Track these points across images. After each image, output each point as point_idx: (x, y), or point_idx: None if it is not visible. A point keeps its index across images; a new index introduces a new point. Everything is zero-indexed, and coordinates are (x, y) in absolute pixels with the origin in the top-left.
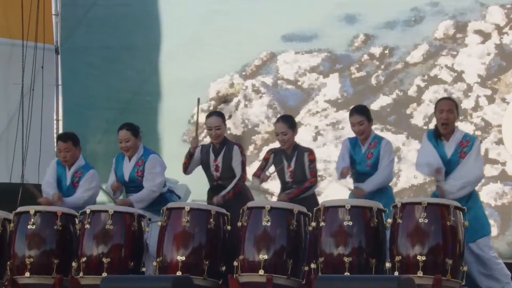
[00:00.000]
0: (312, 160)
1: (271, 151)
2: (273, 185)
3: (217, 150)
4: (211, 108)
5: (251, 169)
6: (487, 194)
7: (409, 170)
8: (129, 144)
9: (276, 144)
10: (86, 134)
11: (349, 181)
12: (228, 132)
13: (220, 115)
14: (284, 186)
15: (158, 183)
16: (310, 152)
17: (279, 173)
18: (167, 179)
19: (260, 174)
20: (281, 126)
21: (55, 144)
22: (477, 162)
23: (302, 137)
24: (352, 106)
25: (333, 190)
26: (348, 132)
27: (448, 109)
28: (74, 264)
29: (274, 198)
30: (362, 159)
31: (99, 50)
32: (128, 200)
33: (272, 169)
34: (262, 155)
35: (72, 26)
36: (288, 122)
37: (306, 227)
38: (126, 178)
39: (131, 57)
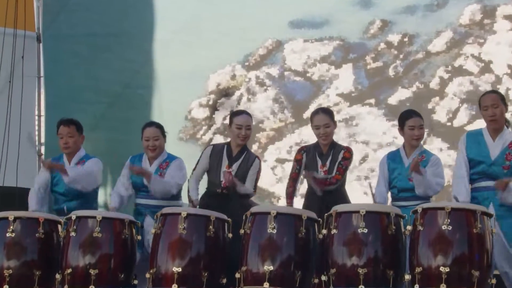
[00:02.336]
0: (347, 158)
1: (302, 149)
2: (279, 188)
3: (234, 157)
4: (210, 102)
5: None
6: None
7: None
8: (157, 143)
9: (283, 143)
10: None
11: (365, 184)
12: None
13: (250, 115)
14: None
15: (179, 184)
16: (348, 150)
17: (311, 170)
18: None
19: (295, 184)
20: (322, 118)
21: (37, 142)
22: None
23: (312, 135)
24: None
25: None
26: (364, 129)
27: (492, 103)
28: (58, 276)
29: (281, 203)
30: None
31: (85, 38)
32: (148, 173)
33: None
34: (267, 154)
35: (55, 11)
36: (329, 114)
37: (316, 234)
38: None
39: (121, 45)
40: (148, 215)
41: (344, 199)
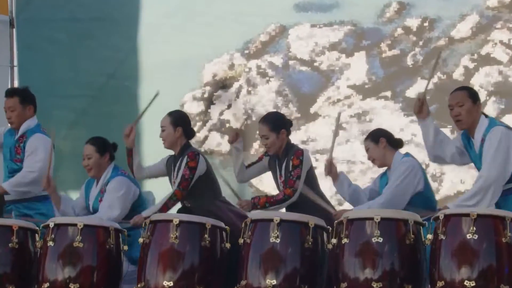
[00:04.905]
0: (296, 166)
1: (266, 153)
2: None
3: (174, 163)
4: (206, 95)
5: None
6: None
7: (454, 173)
8: (90, 162)
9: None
10: (48, 127)
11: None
12: (227, 125)
13: (170, 114)
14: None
15: (112, 214)
16: (296, 154)
17: (275, 181)
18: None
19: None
20: (260, 128)
21: None
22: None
23: (320, 132)
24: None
25: None
26: (378, 125)
27: (456, 102)
28: None
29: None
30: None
31: (64, 23)
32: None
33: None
34: None
35: None
36: (270, 123)
37: (324, 244)
38: (90, 208)
39: (105, 31)
40: None
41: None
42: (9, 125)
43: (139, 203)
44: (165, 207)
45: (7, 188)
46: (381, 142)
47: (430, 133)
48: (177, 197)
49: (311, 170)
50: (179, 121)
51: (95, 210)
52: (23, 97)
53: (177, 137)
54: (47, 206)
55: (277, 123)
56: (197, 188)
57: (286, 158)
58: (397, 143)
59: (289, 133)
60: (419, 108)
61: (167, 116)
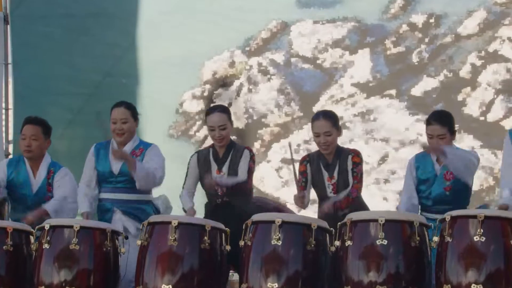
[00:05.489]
0: (357, 163)
1: (304, 159)
2: (285, 193)
3: (221, 158)
4: (205, 94)
5: (257, 172)
6: None
7: None
8: (125, 127)
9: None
10: None
11: (384, 188)
12: None
13: (225, 110)
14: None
15: (163, 170)
16: (355, 154)
17: (318, 186)
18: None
19: (303, 197)
20: (323, 124)
21: (4, 139)
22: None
23: None
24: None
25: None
26: (383, 124)
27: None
28: None
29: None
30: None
31: (60, 19)
32: (133, 159)
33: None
34: (271, 154)
35: None
36: (332, 119)
37: (327, 246)
38: (115, 170)
39: (101, 27)
40: (116, 212)
41: (363, 207)
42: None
43: None
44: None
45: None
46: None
47: None
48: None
49: None
50: (231, 115)
51: (124, 171)
52: (46, 128)
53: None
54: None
55: (337, 121)
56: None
57: (339, 159)
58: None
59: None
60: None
61: (222, 113)
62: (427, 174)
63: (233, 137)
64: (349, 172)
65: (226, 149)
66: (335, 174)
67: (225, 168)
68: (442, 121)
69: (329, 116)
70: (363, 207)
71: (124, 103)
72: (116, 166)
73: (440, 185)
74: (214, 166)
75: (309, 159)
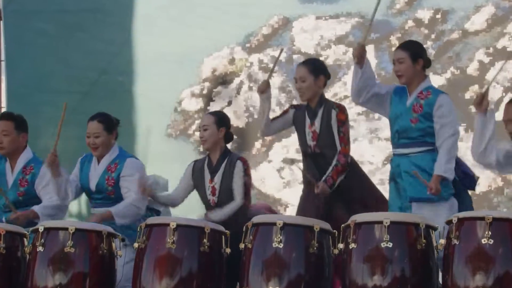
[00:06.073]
0: (343, 121)
1: (292, 106)
2: (287, 194)
3: (215, 167)
4: (204, 91)
5: (257, 173)
6: None
7: None
8: (98, 141)
9: (291, 140)
10: (37, 125)
11: (387, 188)
12: None
13: (213, 114)
14: (305, 149)
15: (140, 197)
16: (341, 109)
17: (299, 131)
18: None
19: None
20: (298, 70)
21: None
22: None
23: None
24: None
25: None
26: (387, 123)
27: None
28: None
29: (289, 211)
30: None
31: (54, 15)
32: (107, 214)
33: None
34: (272, 154)
35: None
36: (310, 65)
37: (330, 249)
38: (92, 186)
39: (97, 23)
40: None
41: (358, 170)
42: None
43: None
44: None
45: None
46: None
47: (488, 129)
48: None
49: None
50: (223, 121)
51: (99, 189)
52: (19, 123)
53: (220, 138)
54: None
55: (317, 67)
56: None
57: (322, 109)
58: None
59: (325, 83)
60: (479, 101)
61: (210, 115)
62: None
63: (234, 137)
64: (335, 130)
65: (220, 157)
66: (316, 122)
67: (217, 178)
68: (403, 46)
69: (308, 63)
70: (358, 170)
71: (98, 116)
72: (93, 182)
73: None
74: (207, 176)
75: (297, 105)
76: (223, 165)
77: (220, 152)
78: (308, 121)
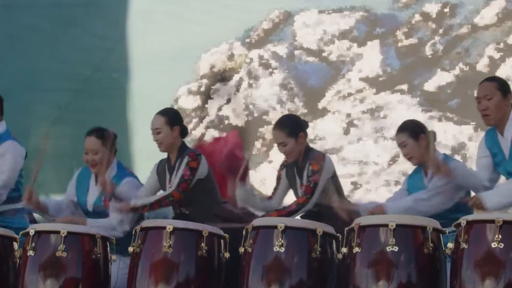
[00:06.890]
0: (315, 171)
1: (282, 165)
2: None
3: (173, 166)
4: (202, 89)
5: (258, 173)
6: None
7: None
8: (97, 158)
9: None
10: (28, 125)
11: (395, 191)
12: (226, 122)
13: (164, 113)
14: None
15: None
16: (316, 159)
17: (293, 190)
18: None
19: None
20: (276, 135)
21: None
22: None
23: (330, 129)
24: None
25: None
26: (394, 122)
27: (484, 95)
28: None
29: None
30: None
31: (46, 9)
32: (82, 221)
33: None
34: (272, 153)
35: None
36: (287, 128)
37: (334, 253)
38: (89, 207)
39: (91, 18)
40: None
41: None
42: None
43: None
44: (157, 203)
45: None
46: (421, 138)
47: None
48: (174, 198)
49: (334, 177)
50: (175, 119)
51: (96, 210)
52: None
53: (175, 138)
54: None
55: (294, 127)
56: (196, 194)
57: (307, 164)
58: None
59: (306, 136)
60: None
61: (159, 116)
62: None
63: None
64: (305, 179)
65: (177, 156)
66: (303, 180)
67: (174, 178)
68: (279, 126)
69: (283, 125)
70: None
71: (96, 131)
72: (90, 204)
73: None
74: (167, 177)
75: (287, 163)
76: (178, 162)
77: (177, 151)
78: (298, 181)
